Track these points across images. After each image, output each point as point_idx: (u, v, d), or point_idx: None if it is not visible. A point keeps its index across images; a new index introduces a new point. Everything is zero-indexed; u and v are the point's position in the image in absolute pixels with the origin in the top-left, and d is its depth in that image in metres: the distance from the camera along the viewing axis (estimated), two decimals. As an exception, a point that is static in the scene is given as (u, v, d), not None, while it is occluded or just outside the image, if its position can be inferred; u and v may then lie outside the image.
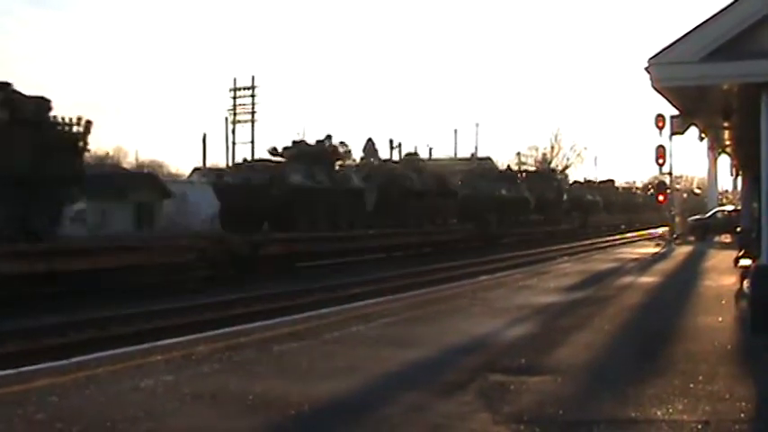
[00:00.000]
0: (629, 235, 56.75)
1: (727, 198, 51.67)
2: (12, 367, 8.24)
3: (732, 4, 10.07)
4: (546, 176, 60.89)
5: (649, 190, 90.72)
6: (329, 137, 36.87)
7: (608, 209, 71.59)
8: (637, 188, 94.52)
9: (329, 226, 32.75)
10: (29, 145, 19.79)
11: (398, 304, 13.62)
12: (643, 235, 52.10)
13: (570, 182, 70.42)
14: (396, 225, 36.35)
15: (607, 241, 48.55)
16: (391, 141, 49.46)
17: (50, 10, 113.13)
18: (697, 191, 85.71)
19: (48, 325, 14.70)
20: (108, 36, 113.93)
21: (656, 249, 30.39)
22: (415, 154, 44.99)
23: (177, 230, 26.38)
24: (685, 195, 48.43)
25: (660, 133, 32.83)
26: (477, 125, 71.27)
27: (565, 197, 60.10)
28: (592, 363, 8.48)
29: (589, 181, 76.74)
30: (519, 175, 56.66)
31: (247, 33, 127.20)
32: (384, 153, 46.94)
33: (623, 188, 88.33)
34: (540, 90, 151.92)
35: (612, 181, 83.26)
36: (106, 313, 16.03)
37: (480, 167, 54.98)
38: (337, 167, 37.17)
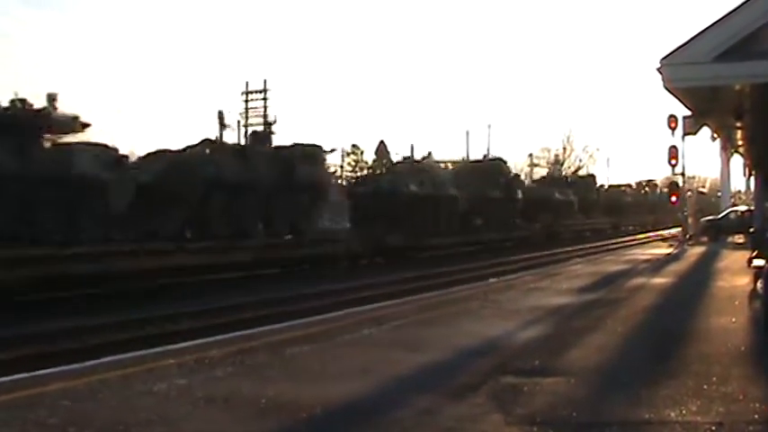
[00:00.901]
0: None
1: (739, 198, 51.23)
2: None
3: (743, 4, 10.06)
4: (485, 169, 44.90)
5: (643, 188, 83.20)
6: (52, 98, 22.04)
7: (585, 210, 59.18)
8: (627, 186, 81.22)
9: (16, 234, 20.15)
10: None
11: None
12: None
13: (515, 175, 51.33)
14: (181, 236, 24.63)
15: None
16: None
17: (53, 11, 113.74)
18: (702, 190, 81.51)
19: None
20: (117, 39, 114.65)
21: (669, 250, 30.30)
22: (262, 134, 32.43)
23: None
24: (690, 194, 46.09)
25: (672, 134, 32.79)
26: (489, 127, 70.82)
27: (519, 195, 46.71)
28: (605, 364, 8.44)
29: (561, 177, 66.03)
30: (443, 166, 44.63)
31: (259, 37, 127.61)
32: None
33: (611, 186, 74.91)
34: (553, 91, 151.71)
35: (593, 176, 70.56)
36: None
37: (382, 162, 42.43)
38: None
